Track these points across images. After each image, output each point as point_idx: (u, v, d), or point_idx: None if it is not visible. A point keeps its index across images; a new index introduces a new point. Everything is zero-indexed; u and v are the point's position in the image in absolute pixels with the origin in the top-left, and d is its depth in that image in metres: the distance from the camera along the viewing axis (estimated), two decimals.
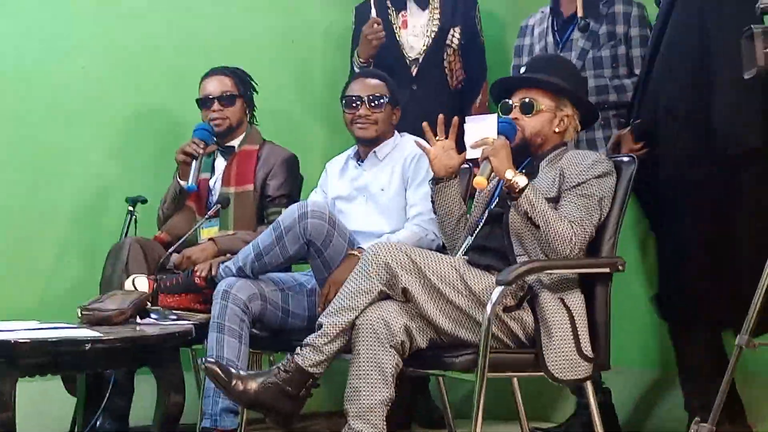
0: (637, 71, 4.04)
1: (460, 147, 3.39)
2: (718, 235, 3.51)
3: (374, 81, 4.05)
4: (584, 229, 3.18)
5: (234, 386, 3.15)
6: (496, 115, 3.36)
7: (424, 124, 3.47)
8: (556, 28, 4.25)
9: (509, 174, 3.16)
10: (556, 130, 3.41)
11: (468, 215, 3.52)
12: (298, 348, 3.18)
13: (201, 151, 4.14)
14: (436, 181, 3.46)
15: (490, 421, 4.19)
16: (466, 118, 3.37)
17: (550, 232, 3.14)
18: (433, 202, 3.50)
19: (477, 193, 3.55)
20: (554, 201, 3.26)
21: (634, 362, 4.31)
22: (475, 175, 3.36)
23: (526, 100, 3.39)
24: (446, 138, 3.43)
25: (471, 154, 3.29)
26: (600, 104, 3.98)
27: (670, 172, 3.61)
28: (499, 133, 3.27)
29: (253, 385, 3.15)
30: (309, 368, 3.14)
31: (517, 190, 3.15)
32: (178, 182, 4.20)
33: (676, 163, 3.59)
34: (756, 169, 3.45)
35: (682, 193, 3.59)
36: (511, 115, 3.39)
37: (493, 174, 3.21)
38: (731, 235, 3.49)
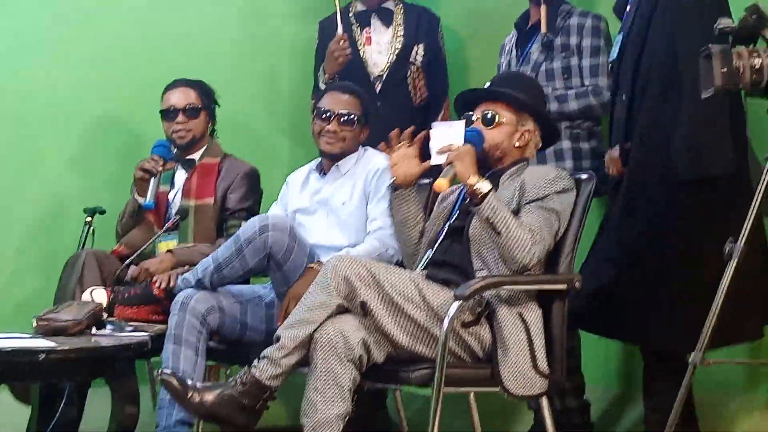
0: (587, 81, 4.08)
1: (425, 158, 3.39)
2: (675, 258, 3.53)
3: (349, 97, 4.03)
4: (543, 238, 3.19)
5: (190, 398, 3.13)
6: (463, 121, 3.36)
7: (392, 132, 3.46)
8: (517, 43, 4.29)
9: (473, 179, 3.17)
10: (517, 144, 3.42)
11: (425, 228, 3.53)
12: (256, 361, 3.16)
13: (160, 168, 4.11)
14: (395, 187, 3.46)
15: None
16: (433, 124, 3.38)
17: (510, 237, 3.14)
18: (391, 209, 3.51)
19: (436, 207, 3.55)
20: (514, 213, 3.26)
21: (598, 380, 4.32)
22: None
23: (488, 112, 3.40)
24: (410, 146, 3.43)
25: (436, 159, 3.29)
26: None
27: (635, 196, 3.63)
28: (465, 141, 3.27)
29: (209, 397, 3.13)
30: (266, 381, 3.13)
31: (479, 196, 3.16)
32: (136, 199, 4.18)
33: (643, 186, 3.61)
34: (714, 195, 3.47)
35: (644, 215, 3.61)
36: (473, 127, 3.39)
37: (455, 178, 3.21)
38: (689, 258, 3.51)
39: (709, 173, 3.39)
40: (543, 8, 4.16)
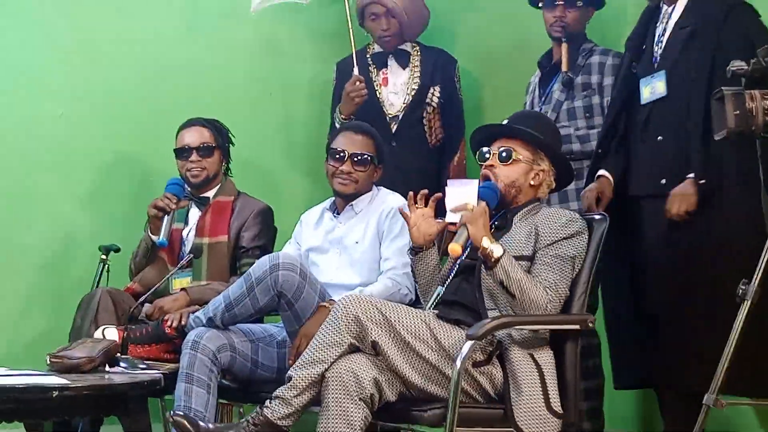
0: None
1: (441, 213, 3.39)
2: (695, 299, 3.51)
3: (362, 137, 4.04)
4: (558, 293, 3.21)
5: None
6: (477, 180, 3.37)
7: (409, 195, 3.47)
8: (540, 82, 4.31)
9: (485, 242, 3.17)
10: (532, 183, 3.43)
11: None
12: (267, 401, 3.16)
13: (173, 206, 4.14)
14: (415, 250, 3.46)
15: None
16: (448, 182, 3.40)
17: (525, 300, 3.16)
18: (413, 271, 3.50)
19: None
20: (528, 259, 3.27)
21: (616, 423, 4.29)
22: (452, 237, 3.36)
23: (504, 149, 3.41)
24: (426, 207, 3.43)
25: (450, 217, 3.30)
26: (565, 154, 4.01)
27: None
28: (479, 198, 3.29)
29: None
30: (278, 421, 3.12)
31: (492, 260, 3.17)
32: (150, 236, 4.19)
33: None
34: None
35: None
36: (488, 162, 3.41)
37: (468, 240, 3.20)
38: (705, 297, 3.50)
39: None
40: (564, 46, 4.18)
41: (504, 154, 3.41)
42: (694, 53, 3.65)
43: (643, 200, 3.73)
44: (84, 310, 4.01)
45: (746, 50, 3.34)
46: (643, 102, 3.81)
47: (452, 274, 3.43)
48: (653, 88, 3.76)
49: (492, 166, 3.41)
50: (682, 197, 3.57)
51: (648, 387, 3.94)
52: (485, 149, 3.46)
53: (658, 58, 3.78)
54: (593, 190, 3.85)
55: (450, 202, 3.31)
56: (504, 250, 3.17)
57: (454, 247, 3.19)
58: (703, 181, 3.54)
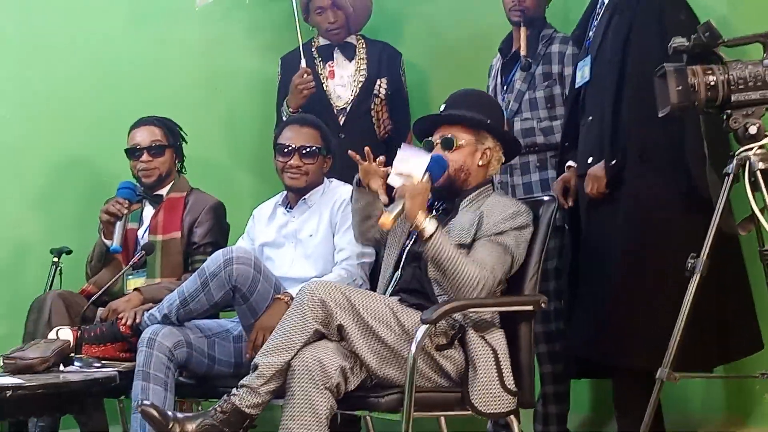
0: None
1: None
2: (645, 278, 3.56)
3: (308, 130, 4.04)
4: (494, 275, 3.22)
5: (171, 429, 3.10)
6: (431, 155, 3.35)
7: (351, 152, 3.47)
8: (502, 69, 4.32)
9: (419, 218, 3.19)
10: (480, 163, 3.45)
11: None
12: (234, 389, 3.15)
13: (125, 211, 4.11)
14: (359, 184, 3.46)
15: None
16: (403, 144, 3.40)
17: (457, 276, 3.17)
18: (353, 199, 3.51)
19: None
20: (467, 247, 3.29)
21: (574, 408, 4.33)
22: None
23: (447, 136, 3.43)
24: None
25: (393, 179, 3.30)
26: (529, 147, 4.05)
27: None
28: (427, 170, 3.28)
29: (189, 427, 3.10)
30: (246, 409, 3.11)
31: (425, 236, 3.18)
32: (104, 241, 4.17)
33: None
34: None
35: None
36: (433, 152, 3.42)
37: (401, 214, 3.21)
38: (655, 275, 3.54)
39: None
40: (523, 30, 4.19)
41: (446, 143, 3.43)
42: (611, 36, 3.70)
43: (580, 179, 3.77)
44: (36, 314, 3.98)
45: (660, 32, 3.45)
46: (576, 86, 3.89)
47: (402, 263, 3.44)
48: (583, 72, 3.84)
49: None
50: (594, 178, 3.65)
51: (602, 377, 3.96)
52: (429, 139, 3.47)
53: (590, 43, 3.85)
54: (559, 181, 3.88)
55: (398, 164, 3.30)
56: (437, 227, 3.18)
57: (385, 222, 3.18)
58: (613, 162, 3.59)
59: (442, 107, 3.55)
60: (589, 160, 3.70)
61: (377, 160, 3.43)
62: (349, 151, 3.51)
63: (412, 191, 3.21)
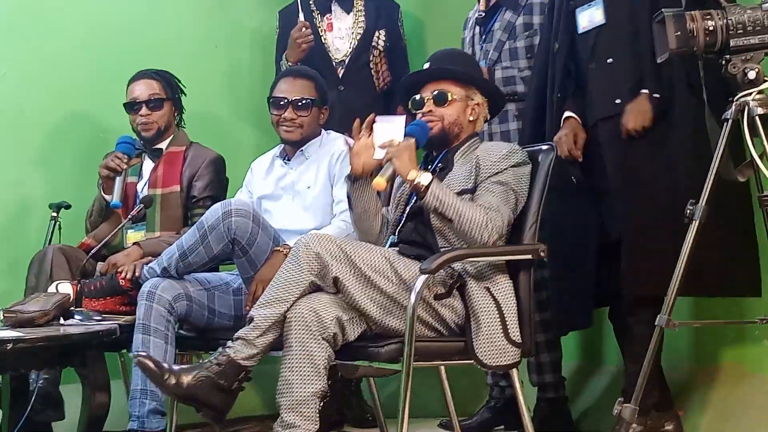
0: None
1: None
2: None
3: (302, 81, 4.03)
4: (501, 214, 3.21)
5: (166, 380, 3.11)
6: (404, 116, 3.36)
7: (355, 123, 3.43)
8: (480, 20, 4.27)
9: (412, 174, 3.19)
10: (470, 118, 3.45)
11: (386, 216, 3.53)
12: (230, 341, 3.15)
13: (124, 166, 4.09)
14: (353, 178, 3.44)
15: (422, 419, 4.21)
16: (376, 118, 3.37)
17: (464, 221, 3.16)
18: (349, 198, 3.48)
19: (394, 193, 3.56)
20: (471, 192, 3.28)
21: (571, 356, 4.33)
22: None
23: (439, 91, 3.42)
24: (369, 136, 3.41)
25: (378, 154, 3.30)
26: (509, 95, 4.02)
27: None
28: (405, 135, 3.28)
29: (185, 379, 3.11)
30: (242, 361, 3.12)
31: (422, 189, 3.18)
32: (103, 196, 4.16)
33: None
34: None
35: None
36: (425, 109, 3.41)
37: (394, 175, 3.22)
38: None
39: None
40: None
41: (440, 97, 3.41)
42: None
43: (600, 123, 3.71)
44: (37, 268, 3.97)
45: None
46: (581, 31, 3.77)
47: (403, 220, 3.43)
48: (591, 16, 3.74)
49: (430, 111, 3.41)
50: (638, 112, 3.55)
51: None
52: (418, 96, 3.45)
53: None
54: (568, 133, 3.75)
55: (378, 139, 3.30)
56: (432, 178, 3.18)
57: (379, 181, 3.19)
58: (657, 95, 3.53)
59: (426, 65, 3.52)
60: (617, 101, 3.61)
61: (366, 122, 3.37)
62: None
63: (396, 151, 3.22)
